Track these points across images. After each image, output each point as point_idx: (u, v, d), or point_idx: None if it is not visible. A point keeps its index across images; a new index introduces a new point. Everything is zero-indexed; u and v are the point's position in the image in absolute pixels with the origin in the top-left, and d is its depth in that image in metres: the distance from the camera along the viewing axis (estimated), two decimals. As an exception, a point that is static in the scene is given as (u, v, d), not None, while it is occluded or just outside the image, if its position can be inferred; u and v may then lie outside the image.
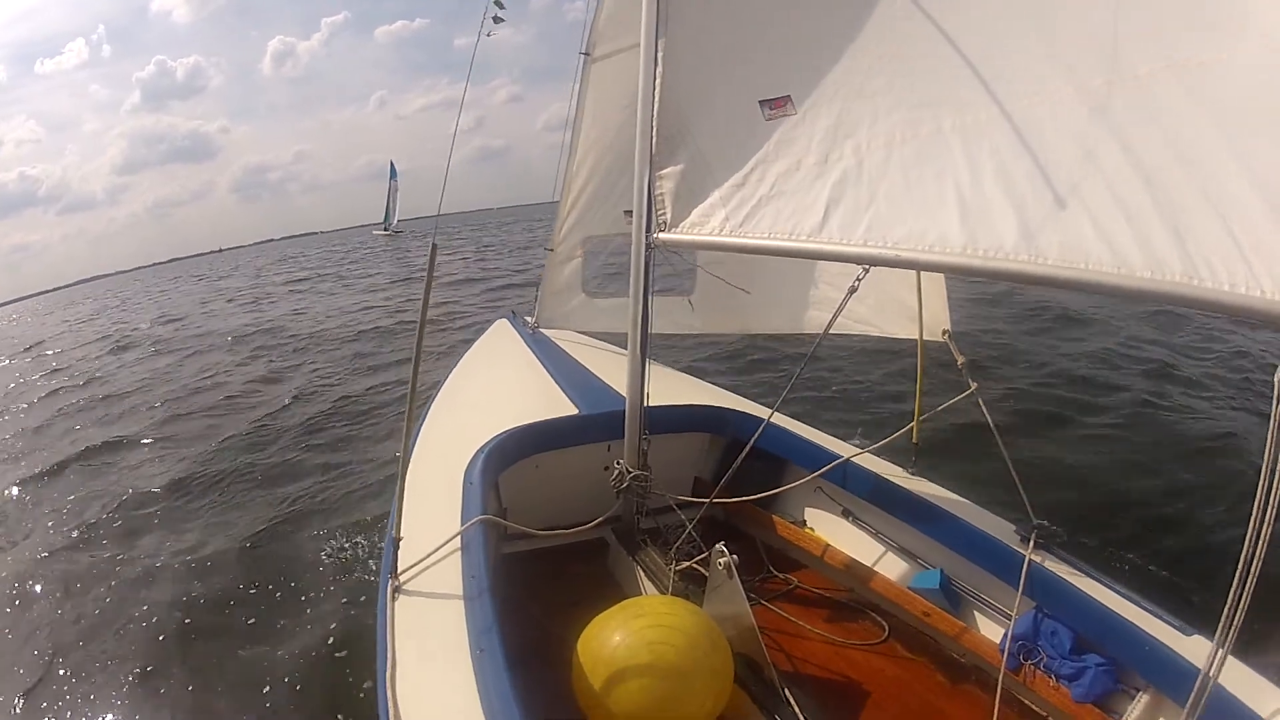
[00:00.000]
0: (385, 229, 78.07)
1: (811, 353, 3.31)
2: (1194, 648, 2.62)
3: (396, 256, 45.65)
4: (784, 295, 4.78)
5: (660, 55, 3.21)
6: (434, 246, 2.87)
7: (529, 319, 6.15)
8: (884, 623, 3.51)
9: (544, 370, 5.02)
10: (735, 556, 2.90)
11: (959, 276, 2.48)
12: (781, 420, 4.30)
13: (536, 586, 3.71)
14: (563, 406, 4.31)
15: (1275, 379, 1.62)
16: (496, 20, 3.13)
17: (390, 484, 5.86)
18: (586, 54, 5.23)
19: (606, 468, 3.71)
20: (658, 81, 3.22)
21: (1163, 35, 1.98)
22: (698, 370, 11.14)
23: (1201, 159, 1.83)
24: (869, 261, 2.46)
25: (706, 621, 2.75)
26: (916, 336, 4.05)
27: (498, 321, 6.68)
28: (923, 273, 3.83)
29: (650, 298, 3.44)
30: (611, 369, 3.90)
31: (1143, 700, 2.79)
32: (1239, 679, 2.39)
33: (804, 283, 4.71)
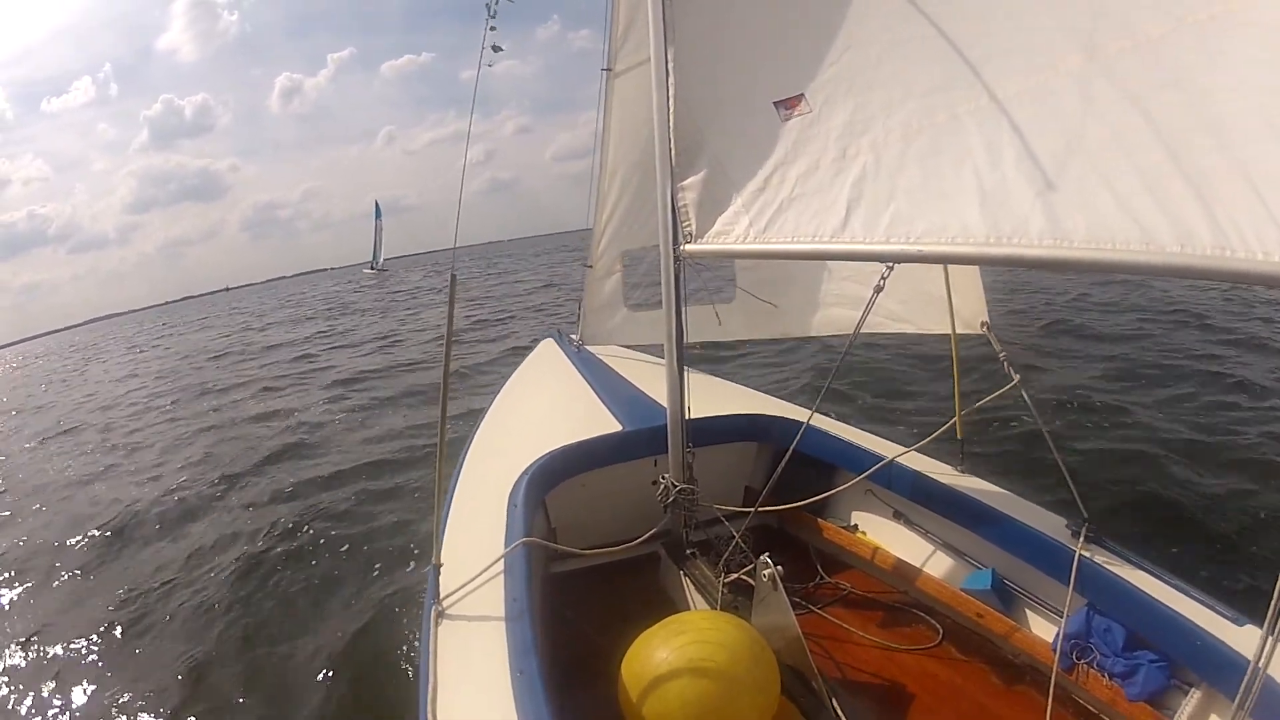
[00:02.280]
0: (372, 268, 78.53)
1: (844, 355, 3.23)
2: (1246, 638, 2.51)
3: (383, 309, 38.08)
4: (824, 296, 4.71)
5: (670, 66, 3.17)
6: (453, 276, 2.92)
7: (574, 336, 6.14)
8: (938, 625, 3.44)
9: (588, 387, 5.00)
10: (780, 567, 2.82)
11: (990, 267, 2.38)
12: (828, 424, 4.25)
13: (588, 603, 3.66)
14: (607, 424, 4.27)
15: None
16: (495, 49, 3.09)
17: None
18: (608, 70, 5.21)
19: (654, 482, 3.65)
20: (671, 93, 3.18)
21: None
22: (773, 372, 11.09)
23: (1224, 120, 1.71)
24: (892, 259, 2.38)
25: (750, 635, 2.69)
26: (958, 331, 3.93)
27: (544, 340, 6.68)
28: (951, 265, 3.72)
29: (684, 310, 3.40)
30: (657, 383, 3.86)
31: (1195, 697, 2.69)
32: None
33: (842, 282, 4.62)
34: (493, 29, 3.12)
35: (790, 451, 3.36)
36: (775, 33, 2.91)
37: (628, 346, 5.93)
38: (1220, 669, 2.52)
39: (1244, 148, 1.65)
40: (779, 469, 3.37)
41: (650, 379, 4.77)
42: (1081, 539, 3.09)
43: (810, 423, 3.65)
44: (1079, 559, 3.01)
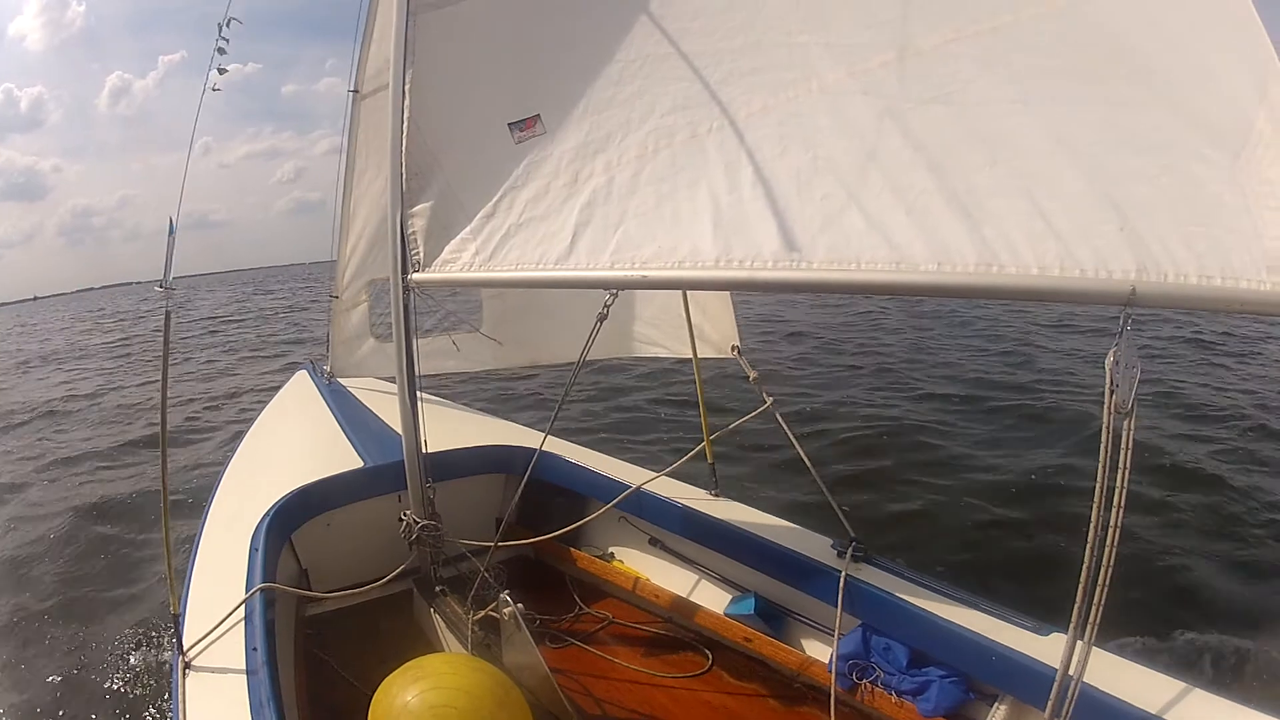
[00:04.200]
0: (161, 288, 74.05)
1: (571, 382, 3.08)
2: (1052, 648, 2.48)
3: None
4: (576, 322, 4.44)
5: (408, 87, 2.89)
6: (168, 314, 2.70)
7: (327, 368, 5.74)
8: (707, 652, 3.28)
9: (334, 422, 4.68)
10: (520, 605, 2.66)
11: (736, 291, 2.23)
12: (579, 453, 4.12)
13: (347, 645, 3.37)
14: (350, 459, 3.98)
15: (1106, 365, 1.52)
16: (221, 71, 2.81)
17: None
18: (355, 91, 4.87)
19: (400, 518, 3.38)
20: (406, 115, 2.90)
21: (950, 2, 1.79)
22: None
23: (1002, 134, 1.64)
24: (614, 285, 2.23)
25: (493, 678, 2.47)
26: (707, 355, 3.89)
27: (297, 373, 6.25)
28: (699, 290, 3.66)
29: (415, 341, 3.15)
30: None
31: (1001, 710, 2.65)
32: (1100, 668, 2.17)
33: (597, 307, 4.42)
34: (222, 51, 2.83)
35: (525, 481, 3.20)
36: (517, 52, 2.73)
37: (382, 378, 5.59)
38: (1024, 678, 2.48)
39: (1025, 161, 1.60)
40: (514, 500, 3.25)
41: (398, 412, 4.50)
42: (848, 558, 3.03)
43: (560, 453, 3.57)
44: (845, 579, 2.94)
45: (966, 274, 1.58)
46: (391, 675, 2.49)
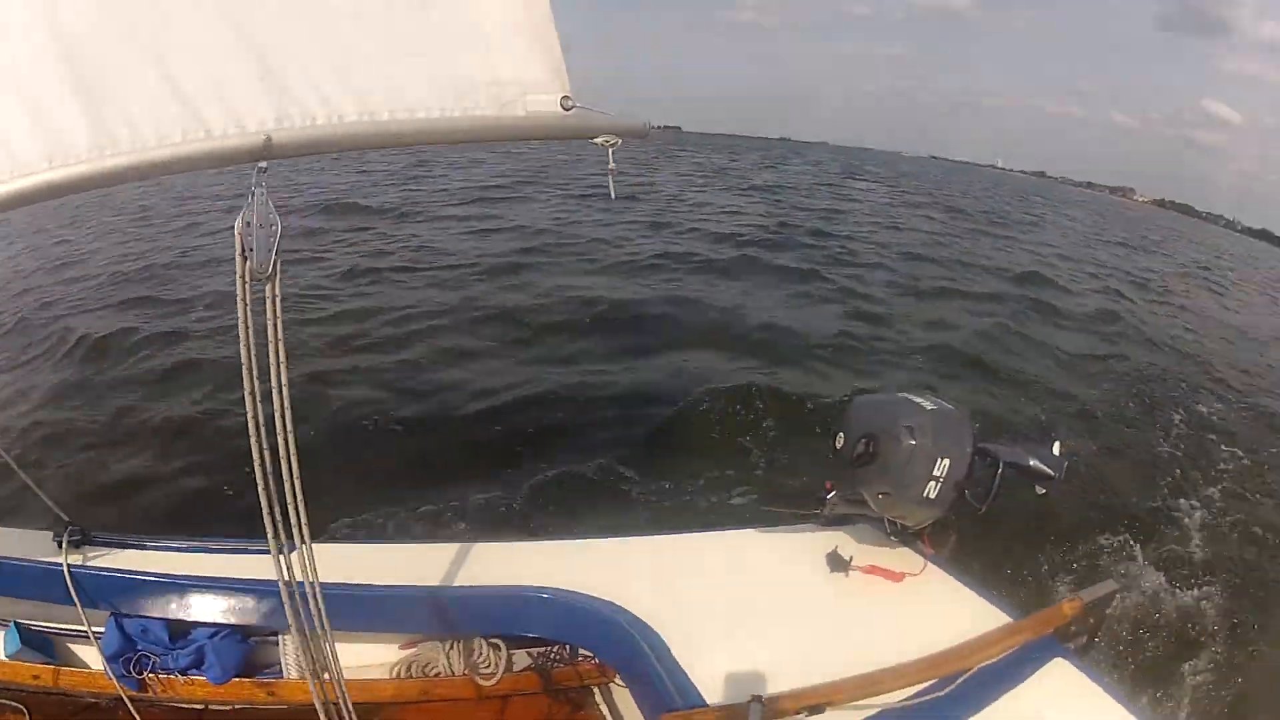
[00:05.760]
0: None
1: None
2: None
3: None
4: None
5: None
6: None
7: None
8: (21, 706, 2.70)
9: None
10: None
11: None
12: None
13: None
14: None
15: (235, 230, 1.42)
16: None
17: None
18: None
19: None
20: None
21: None
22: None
23: (149, 5, 1.45)
24: None
25: None
26: None
27: None
28: None
29: None
30: None
31: (287, 640, 2.56)
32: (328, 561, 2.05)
33: None
34: None
35: None
36: None
37: None
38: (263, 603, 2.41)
39: (167, 24, 1.45)
40: None
41: None
42: (65, 546, 2.61)
43: None
44: (70, 570, 2.55)
45: (79, 164, 1.37)
46: None
